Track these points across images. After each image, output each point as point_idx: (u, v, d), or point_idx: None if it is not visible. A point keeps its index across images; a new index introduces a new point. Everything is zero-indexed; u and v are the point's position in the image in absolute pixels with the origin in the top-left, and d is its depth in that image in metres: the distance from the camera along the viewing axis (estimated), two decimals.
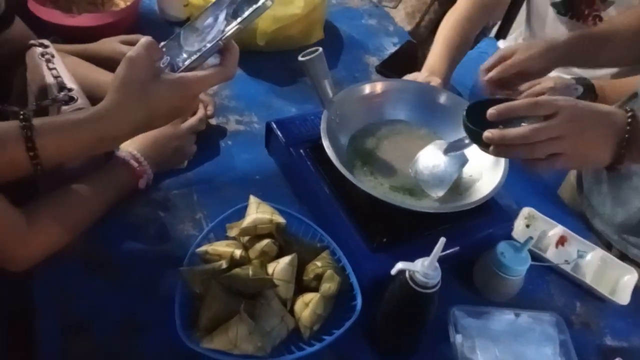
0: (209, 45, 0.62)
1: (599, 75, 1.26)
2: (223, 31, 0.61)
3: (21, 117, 0.58)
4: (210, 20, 0.64)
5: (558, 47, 0.95)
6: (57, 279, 0.72)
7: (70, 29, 1.03)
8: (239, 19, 0.61)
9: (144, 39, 0.61)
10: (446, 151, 0.81)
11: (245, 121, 1.00)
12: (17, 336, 0.79)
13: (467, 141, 0.76)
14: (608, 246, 0.97)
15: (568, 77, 1.30)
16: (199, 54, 0.62)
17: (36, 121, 0.59)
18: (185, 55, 0.64)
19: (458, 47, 1.15)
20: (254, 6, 0.60)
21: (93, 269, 0.74)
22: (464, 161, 0.81)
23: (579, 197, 1.06)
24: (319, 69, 0.79)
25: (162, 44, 0.65)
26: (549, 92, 1.14)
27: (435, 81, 1.02)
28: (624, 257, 0.94)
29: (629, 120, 0.67)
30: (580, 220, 0.98)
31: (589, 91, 1.15)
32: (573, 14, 1.20)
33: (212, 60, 0.65)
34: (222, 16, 0.63)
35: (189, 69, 0.63)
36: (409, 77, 1.05)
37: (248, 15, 0.61)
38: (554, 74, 1.33)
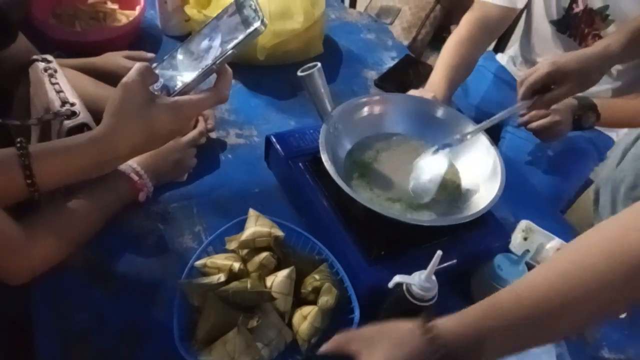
0: (203, 69, 0.63)
1: (597, 91, 1.27)
2: (217, 56, 0.63)
3: (18, 144, 0.58)
4: (205, 43, 0.65)
5: (614, 56, 0.90)
6: (56, 289, 0.73)
7: (73, 44, 1.04)
8: (233, 44, 0.62)
9: (138, 64, 0.62)
10: (436, 151, 0.82)
11: (245, 135, 1.01)
12: (17, 346, 0.79)
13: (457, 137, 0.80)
14: None
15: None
16: (192, 78, 0.64)
17: (33, 148, 0.59)
18: (179, 79, 0.65)
19: (458, 69, 1.16)
20: (247, 31, 0.62)
21: (93, 280, 0.75)
22: (448, 157, 0.84)
23: (595, 212, 1.06)
24: (318, 83, 0.80)
25: (155, 65, 0.66)
26: (552, 113, 1.15)
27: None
28: None
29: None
30: (577, 234, 0.98)
31: (591, 110, 1.16)
32: (572, 32, 1.22)
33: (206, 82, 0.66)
34: (217, 40, 0.64)
35: (182, 92, 0.64)
36: (412, 92, 1.06)
37: (241, 40, 0.62)
38: None
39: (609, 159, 1.09)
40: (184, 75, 0.65)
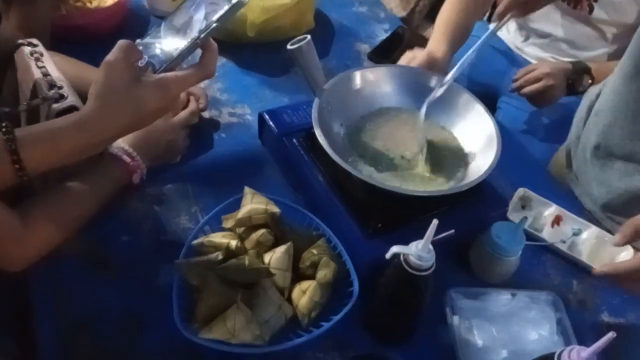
0: (187, 44, 0.62)
1: (592, 56, 1.26)
2: (201, 29, 0.61)
3: (4, 129, 0.57)
4: (188, 17, 0.64)
5: None
6: (54, 277, 0.73)
7: (59, 27, 1.02)
8: (216, 17, 0.61)
9: (121, 41, 0.60)
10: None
11: (238, 113, 1.00)
12: (18, 336, 0.79)
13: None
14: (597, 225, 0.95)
15: (565, 59, 1.30)
16: (177, 53, 0.62)
17: (19, 132, 0.58)
18: (163, 55, 0.63)
19: (458, 28, 1.13)
20: (231, 3, 0.60)
21: (90, 266, 0.75)
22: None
23: (569, 175, 1.06)
24: (308, 56, 0.79)
25: (139, 41, 0.65)
26: (545, 78, 1.14)
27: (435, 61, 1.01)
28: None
29: None
30: (575, 199, 0.98)
31: (585, 74, 1.15)
32: None
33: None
34: (200, 14, 0.63)
35: (168, 69, 0.63)
36: (408, 54, 1.02)
37: (224, 13, 0.61)
38: (547, 56, 1.33)
39: (576, 117, 1.07)
40: (169, 51, 0.63)
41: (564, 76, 1.15)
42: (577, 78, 1.15)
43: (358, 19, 1.31)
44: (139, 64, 0.63)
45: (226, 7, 0.60)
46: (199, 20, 0.62)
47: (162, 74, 0.62)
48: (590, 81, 1.14)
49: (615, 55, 1.24)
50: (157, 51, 0.64)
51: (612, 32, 1.21)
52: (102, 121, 0.60)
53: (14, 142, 0.57)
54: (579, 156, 1.03)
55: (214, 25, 0.61)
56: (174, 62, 0.63)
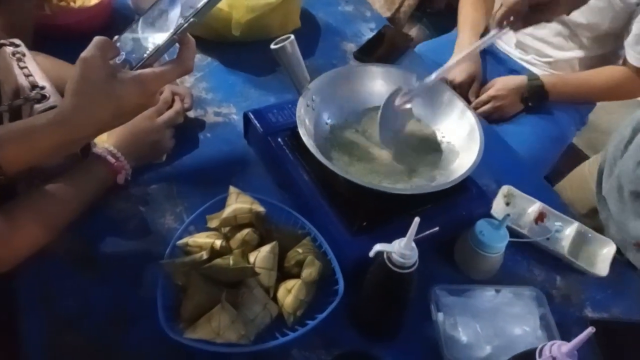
0: (164, 40, 0.62)
1: (567, 57, 1.27)
2: (178, 25, 0.61)
3: None
4: (165, 13, 0.63)
5: None
6: (41, 276, 0.72)
7: (43, 27, 1.02)
8: (192, 12, 0.61)
9: (97, 38, 0.60)
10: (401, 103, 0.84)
11: (224, 113, 1.00)
12: (3, 336, 0.79)
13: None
14: (619, 252, 0.90)
15: (541, 59, 1.32)
16: (154, 50, 0.62)
17: None
18: (141, 51, 0.63)
19: (482, 23, 1.16)
20: None
21: (77, 266, 0.74)
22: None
23: (597, 195, 1.03)
24: (292, 56, 0.79)
25: (116, 38, 0.64)
26: (493, 100, 1.24)
27: (471, 68, 1.12)
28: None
29: None
30: (557, 196, 0.99)
31: (539, 92, 1.22)
32: None
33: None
34: (177, 9, 0.62)
35: (145, 65, 0.62)
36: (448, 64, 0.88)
37: (201, 8, 0.61)
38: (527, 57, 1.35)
39: (617, 137, 0.99)
40: (146, 47, 0.63)
41: (515, 94, 1.23)
42: (530, 96, 1.23)
43: (344, 18, 1.31)
44: (116, 61, 0.62)
45: (203, 2, 0.60)
46: (176, 15, 0.62)
47: (140, 70, 0.62)
48: (542, 97, 1.22)
49: (587, 63, 1.26)
50: (135, 47, 0.64)
51: (587, 36, 1.23)
52: (80, 119, 0.59)
53: None
54: (611, 181, 0.97)
55: (191, 20, 0.61)
56: (151, 58, 0.62)
